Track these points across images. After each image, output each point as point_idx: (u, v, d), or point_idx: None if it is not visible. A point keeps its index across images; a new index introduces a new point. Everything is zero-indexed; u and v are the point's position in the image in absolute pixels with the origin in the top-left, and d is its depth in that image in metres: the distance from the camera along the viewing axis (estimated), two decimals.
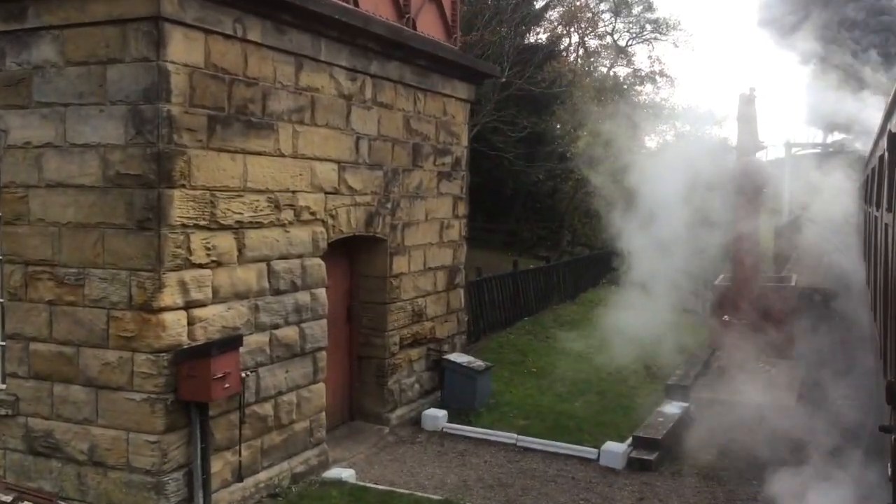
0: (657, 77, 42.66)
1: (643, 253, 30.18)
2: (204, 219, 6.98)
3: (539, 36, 30.86)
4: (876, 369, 10.81)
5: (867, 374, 13.11)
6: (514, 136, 20.55)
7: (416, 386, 10.79)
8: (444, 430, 10.27)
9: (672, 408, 11.14)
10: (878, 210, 10.74)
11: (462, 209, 12.15)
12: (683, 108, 40.65)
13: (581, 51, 40.27)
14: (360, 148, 9.25)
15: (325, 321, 8.68)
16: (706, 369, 14.14)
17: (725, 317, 14.40)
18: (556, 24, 34.34)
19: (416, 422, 10.39)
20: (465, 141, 12.15)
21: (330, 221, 8.74)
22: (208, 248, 7.04)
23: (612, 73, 40.25)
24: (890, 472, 6.78)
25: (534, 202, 32.11)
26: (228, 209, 7.24)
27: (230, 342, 6.90)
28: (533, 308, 17.47)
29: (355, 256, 10.05)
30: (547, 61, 24.21)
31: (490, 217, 31.78)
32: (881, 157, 9.74)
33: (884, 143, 8.84)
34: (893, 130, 7.44)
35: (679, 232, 26.36)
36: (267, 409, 7.84)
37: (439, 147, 11.30)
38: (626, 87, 39.39)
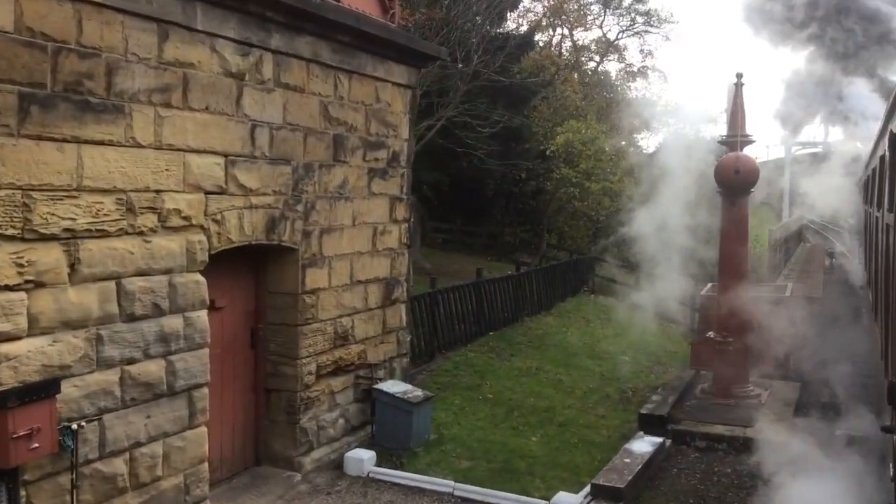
0: (649, 72, 41.50)
1: (626, 258, 28.65)
2: (13, 227, 5.45)
3: (517, 24, 29.43)
4: (876, 371, 10.57)
5: (879, 394, 11.71)
6: (484, 131, 19.08)
7: (341, 422, 9.26)
8: (371, 475, 8.73)
9: (643, 444, 9.62)
10: (878, 210, 10.59)
11: (402, 212, 10.63)
12: (676, 105, 39.35)
13: (569, 44, 38.95)
14: (256, 138, 7.73)
15: (205, 351, 7.15)
16: (688, 394, 12.64)
17: (710, 333, 12.91)
18: (539, 15, 32.95)
19: (338, 465, 8.86)
20: (405, 133, 10.63)
21: (213, 228, 7.22)
22: (21, 265, 5.51)
23: (601, 69, 38.91)
24: (892, 473, 6.75)
25: (517, 203, 30.63)
26: (53, 214, 5.71)
27: (39, 388, 5.36)
28: (500, 321, 15.95)
29: (262, 269, 8.53)
30: (524, 52, 22.73)
31: (471, 219, 30.29)
32: (882, 158, 9.59)
33: (884, 143, 8.72)
34: (894, 131, 7.36)
35: (666, 236, 24.90)
36: (117, 465, 6.30)
37: (370, 139, 9.78)
38: (617, 83, 38.03)
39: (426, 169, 21.51)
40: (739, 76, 12.57)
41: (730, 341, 12.10)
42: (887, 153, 8.30)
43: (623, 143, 34.51)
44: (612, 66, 48.10)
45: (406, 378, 10.71)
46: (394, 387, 9.62)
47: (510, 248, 29.13)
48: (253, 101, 7.67)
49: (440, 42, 17.01)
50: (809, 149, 60.41)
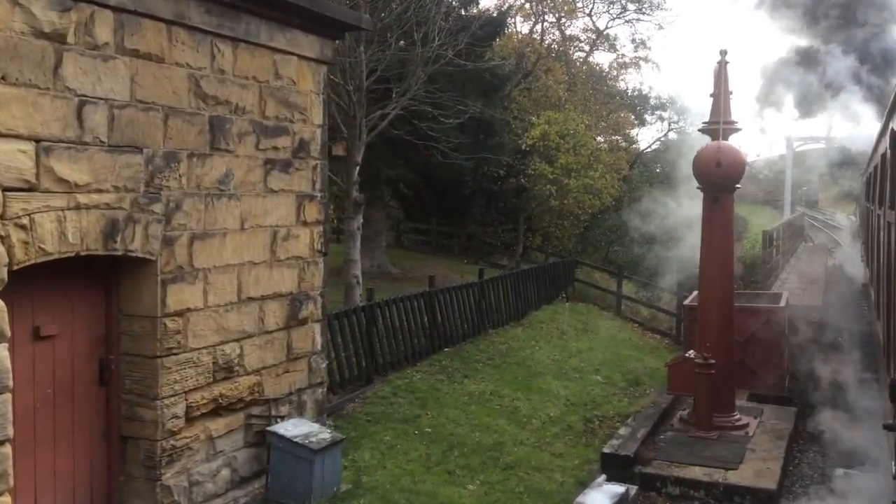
0: (642, 63, 39.85)
1: (608, 261, 27.01)
2: None
3: (498, 6, 27.76)
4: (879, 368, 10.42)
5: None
6: (448, 122, 17.40)
7: (225, 473, 7.60)
8: None
9: (600, 496, 7.97)
10: (880, 208, 10.56)
11: (315, 212, 8.95)
12: (669, 98, 37.73)
13: (556, 34, 37.29)
14: (86, 118, 6.06)
15: (3, 398, 5.49)
16: (663, 424, 11.01)
17: (690, 352, 11.28)
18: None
19: None
20: (318, 117, 8.95)
21: (16, 236, 5.55)
22: None
23: (591, 60, 37.26)
24: (894, 471, 6.81)
25: (497, 202, 28.95)
26: None
27: None
28: (458, 335, 14.28)
29: (114, 286, 6.87)
30: (495, 36, 21.06)
31: (449, 219, 28.62)
32: (883, 156, 9.59)
33: (886, 141, 8.75)
34: (895, 129, 7.48)
35: (651, 239, 23.21)
36: None
37: (267, 124, 8.11)
38: (605, 74, 36.36)
39: (388, 164, 19.84)
40: (723, 53, 10.95)
41: (711, 363, 10.45)
42: (888, 151, 8.27)
43: (611, 137, 32.96)
44: (604, 58, 46.54)
45: (322, 412, 9.05)
46: (294, 428, 7.95)
47: (491, 250, 27.48)
48: (80, 70, 6.00)
49: (395, 21, 15.37)
50: (812, 143, 58.85)
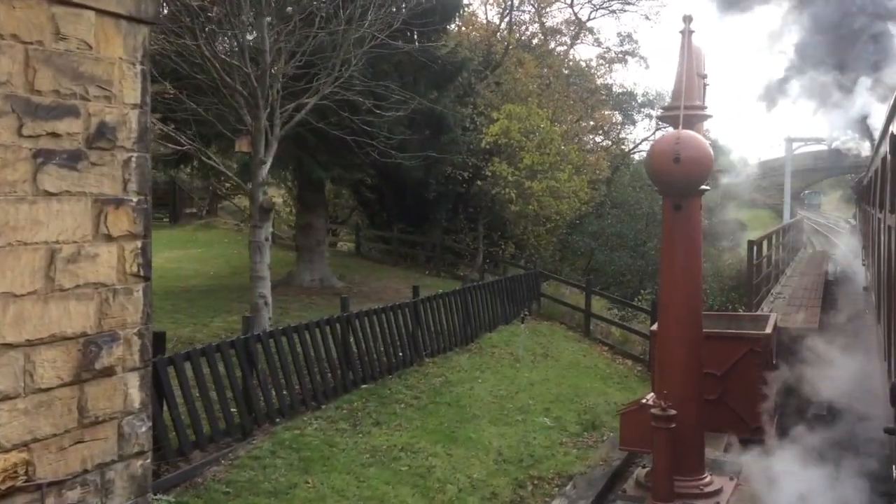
0: (629, 58, 37.78)
1: (589, 271, 24.83)
2: None
3: None
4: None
5: None
6: (388, 115, 15.28)
7: None
8: None
9: None
10: (880, 212, 10.67)
11: (126, 223, 6.67)
12: (658, 93, 35.67)
13: (536, 26, 35.21)
14: None
15: None
16: (612, 493, 8.84)
17: (648, 397, 9.14)
18: None
19: None
20: (132, 95, 6.72)
21: None
22: None
23: (573, 54, 35.23)
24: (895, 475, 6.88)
25: (467, 207, 26.80)
26: None
27: None
28: (382, 367, 12.10)
29: None
30: (449, 19, 18.93)
31: (414, 226, 26.47)
32: (883, 160, 9.70)
33: (886, 145, 8.82)
34: (895, 133, 7.43)
35: (634, 247, 21.00)
36: None
37: (38, 101, 5.92)
38: (587, 68, 34.30)
39: (324, 164, 17.64)
40: (687, 21, 8.82)
41: (672, 414, 8.27)
42: (888, 155, 8.32)
43: (591, 136, 30.85)
44: (589, 52, 44.54)
45: (144, 490, 6.84)
46: None
47: (457, 260, 25.33)
48: None
49: None
50: (812, 144, 56.79)
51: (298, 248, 19.50)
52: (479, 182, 22.31)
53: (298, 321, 11.41)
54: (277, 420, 9.78)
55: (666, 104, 8.88)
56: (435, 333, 13.79)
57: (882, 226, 10.19)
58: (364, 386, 11.45)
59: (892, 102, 7.92)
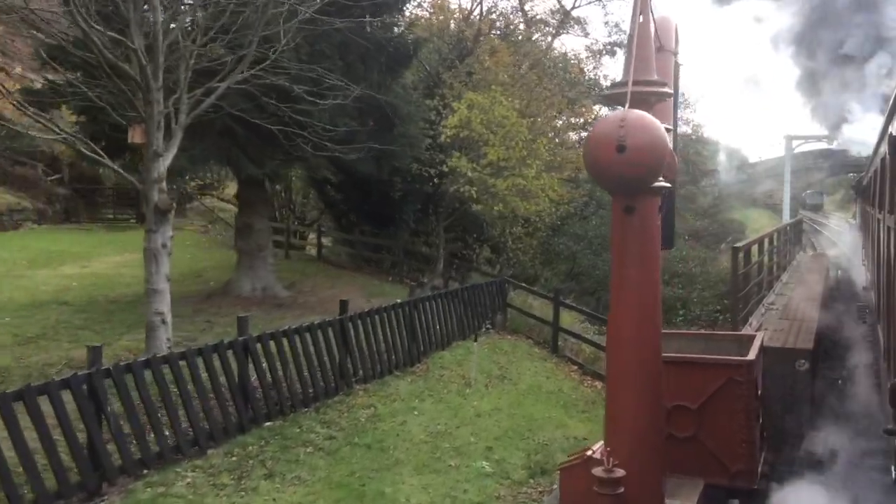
0: (618, 50, 36.00)
1: (572, 276, 23.01)
2: None
3: None
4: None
5: None
6: (324, 103, 13.47)
7: None
8: None
9: None
10: (880, 212, 10.72)
11: None
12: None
13: (520, 14, 33.42)
14: None
15: None
16: None
17: (593, 448, 7.36)
18: None
19: None
20: None
21: None
22: None
23: (556, 45, 33.45)
24: (895, 475, 6.93)
25: (437, 207, 24.96)
26: None
27: None
28: (295, 400, 10.25)
29: None
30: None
31: (381, 229, 24.63)
32: (883, 160, 9.87)
33: (885, 146, 8.98)
34: (894, 133, 7.58)
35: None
36: None
37: None
38: (570, 60, 32.51)
39: (255, 157, 15.75)
40: None
41: (619, 476, 6.45)
42: (888, 156, 8.45)
43: (577, 129, 29.04)
44: (576, 43, 42.80)
45: None
46: None
47: (424, 266, 23.49)
48: None
49: None
50: (812, 142, 55.00)
51: (238, 252, 17.68)
52: (439, 180, 20.46)
53: (220, 339, 9.61)
54: (143, 472, 7.96)
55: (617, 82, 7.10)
56: (369, 355, 11.95)
57: (882, 226, 10.26)
58: (268, 424, 9.62)
59: (891, 103, 7.92)
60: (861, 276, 20.09)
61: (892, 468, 7.08)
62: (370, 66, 16.46)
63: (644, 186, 6.25)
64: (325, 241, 27.66)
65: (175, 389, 8.60)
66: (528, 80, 22.26)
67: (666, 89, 7.07)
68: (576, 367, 15.02)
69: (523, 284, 18.36)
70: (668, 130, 6.76)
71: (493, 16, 28.84)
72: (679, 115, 38.64)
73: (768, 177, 60.96)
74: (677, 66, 10.03)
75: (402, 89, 16.99)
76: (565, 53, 33.58)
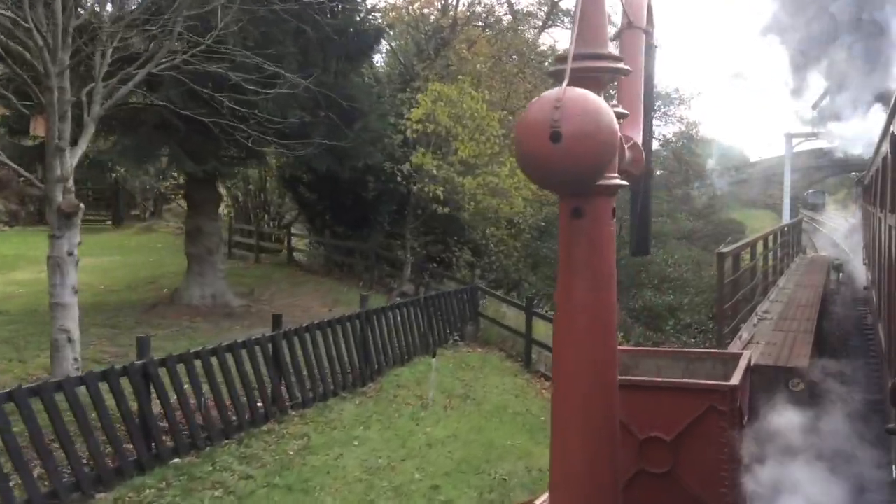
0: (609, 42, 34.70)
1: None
2: None
3: None
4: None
5: None
6: (268, 93, 12.18)
7: None
8: None
9: None
10: (881, 211, 10.84)
11: None
12: None
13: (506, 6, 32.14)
14: None
15: None
16: None
17: (541, 499, 6.04)
18: None
19: None
20: None
21: None
22: None
23: (547, 37, 32.23)
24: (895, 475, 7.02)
25: (415, 208, 23.69)
26: None
27: None
28: (214, 432, 8.98)
29: None
30: None
31: (355, 231, 23.36)
32: (884, 159, 9.99)
33: (886, 145, 9.08)
34: (895, 132, 7.74)
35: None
36: None
37: None
38: (553, 50, 31.21)
39: (187, 154, 14.41)
40: None
41: None
42: (889, 155, 8.51)
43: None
44: (565, 36, 41.57)
45: None
46: None
47: (396, 270, 22.21)
48: None
49: None
50: (812, 140, 53.84)
51: (187, 258, 16.39)
52: (403, 178, 19.19)
53: (111, 365, 8.35)
54: None
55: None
56: (309, 376, 10.67)
57: (883, 225, 10.26)
58: (175, 461, 8.35)
59: (892, 103, 7.92)
60: (862, 276, 19.44)
61: (893, 467, 6.98)
62: (330, 54, 15.19)
63: (587, 185, 4.91)
64: (303, 243, 26.43)
65: (73, 418, 7.32)
66: (508, 71, 20.98)
67: (621, 65, 5.77)
68: (549, 384, 13.71)
69: (494, 292, 17.04)
70: (621, 116, 5.44)
71: (478, 8, 27.64)
72: (672, 112, 37.45)
73: (767, 176, 59.66)
74: (651, 47, 8.74)
75: (363, 79, 15.72)
76: (553, 46, 32.35)
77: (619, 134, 5.26)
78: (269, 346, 9.98)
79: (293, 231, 26.49)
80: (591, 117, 4.72)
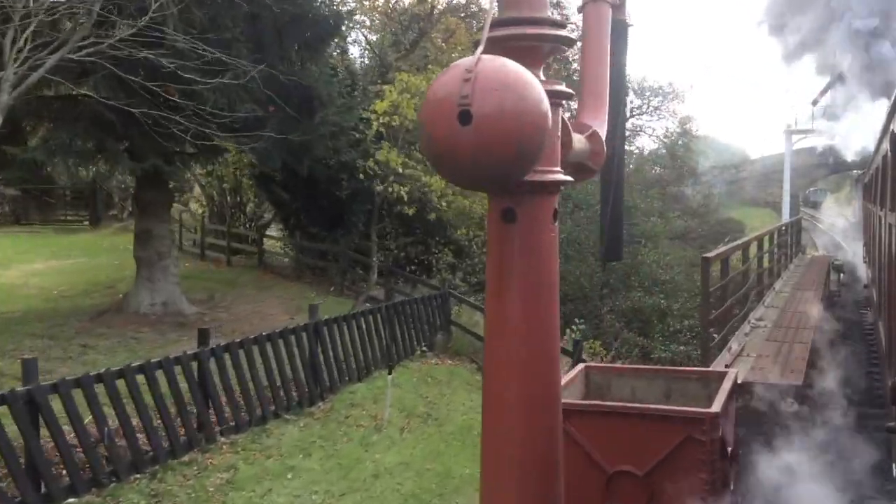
0: None
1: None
2: None
3: None
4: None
5: None
6: (210, 82, 11.09)
7: None
8: None
9: None
10: (881, 209, 10.88)
11: None
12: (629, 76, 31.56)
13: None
14: None
15: None
16: None
17: None
18: None
19: None
20: None
21: None
22: None
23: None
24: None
25: (391, 208, 22.59)
26: None
27: None
28: (122, 465, 7.88)
29: None
30: None
31: (329, 232, 22.25)
32: (884, 157, 9.99)
33: (887, 143, 9.15)
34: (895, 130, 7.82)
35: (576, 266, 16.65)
36: None
37: None
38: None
39: (124, 150, 13.28)
40: None
41: None
42: (889, 153, 8.55)
43: None
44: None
45: None
46: None
47: (379, 272, 21.12)
48: None
49: None
50: (812, 137, 52.80)
51: (137, 262, 15.30)
52: (364, 176, 17.99)
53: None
54: None
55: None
56: (243, 397, 9.58)
57: (883, 223, 10.29)
58: (70, 501, 7.26)
59: (892, 101, 7.97)
60: (863, 276, 19.01)
61: (894, 465, 6.99)
62: (286, 41, 14.11)
63: (506, 181, 3.81)
64: (278, 245, 25.37)
65: None
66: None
67: (563, 33, 4.66)
68: None
69: (466, 298, 15.93)
70: (562, 96, 4.29)
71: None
72: (666, 107, 36.32)
73: (767, 174, 58.58)
74: (622, 23, 7.63)
75: (326, 69, 14.62)
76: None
77: (564, 118, 4.10)
78: (193, 365, 8.87)
79: (268, 233, 25.43)
80: (511, 92, 3.52)
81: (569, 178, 4.35)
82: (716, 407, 7.08)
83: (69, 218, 34.06)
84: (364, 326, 12.32)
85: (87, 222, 32.85)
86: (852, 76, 16.90)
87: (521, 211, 4.03)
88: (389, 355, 12.63)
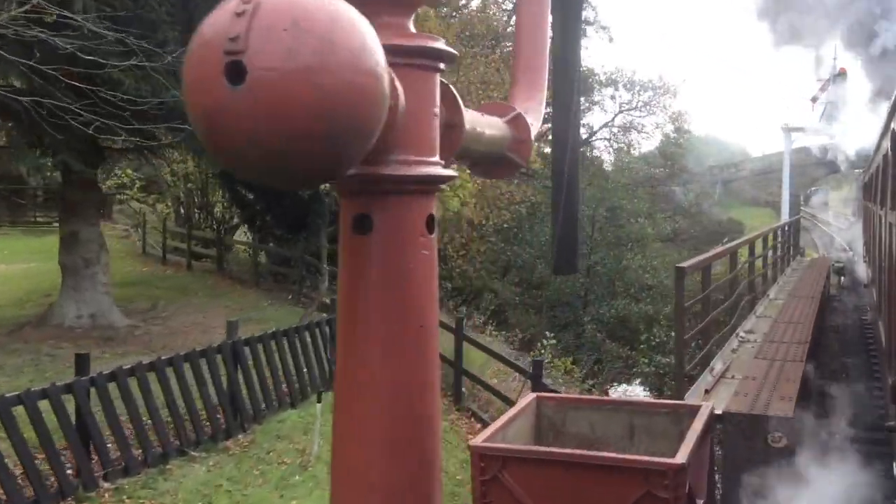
0: (587, 27, 32.42)
1: (529, 288, 19.20)
2: None
3: None
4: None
5: None
6: (116, 65, 9.72)
7: None
8: None
9: None
10: (881, 209, 10.92)
11: None
12: (617, 68, 30.39)
13: None
14: None
15: None
16: None
17: None
18: None
19: None
20: None
21: None
22: None
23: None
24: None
25: (329, 207, 21.23)
26: None
27: None
28: None
29: None
30: None
31: (293, 234, 20.90)
32: (885, 157, 10.07)
33: (887, 142, 9.28)
34: None
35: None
36: None
37: None
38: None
39: (32, 146, 11.88)
40: None
41: None
42: (889, 152, 8.62)
43: None
44: None
45: None
46: None
47: (333, 279, 19.78)
48: None
49: None
50: (811, 135, 51.63)
51: (60, 269, 13.94)
52: None
53: None
54: None
55: None
56: (136, 433, 8.20)
57: (883, 222, 10.34)
58: None
59: (893, 100, 8.15)
60: (863, 277, 18.45)
61: (894, 465, 7.17)
62: None
63: (312, 175, 2.41)
64: (242, 249, 24.07)
65: None
66: (462, 53, 18.55)
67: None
68: (480, 427, 11.29)
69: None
70: (439, 56, 2.80)
71: None
72: (657, 102, 34.90)
73: (766, 173, 57.31)
74: None
75: None
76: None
77: (452, 90, 2.68)
78: (70, 393, 7.50)
79: (238, 237, 24.17)
80: (311, 35, 1.98)
81: (452, 173, 2.84)
82: (681, 457, 5.59)
83: (39, 219, 32.91)
84: (298, 345, 10.94)
85: (57, 223, 31.66)
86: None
87: (379, 218, 2.55)
88: (327, 378, 11.24)
